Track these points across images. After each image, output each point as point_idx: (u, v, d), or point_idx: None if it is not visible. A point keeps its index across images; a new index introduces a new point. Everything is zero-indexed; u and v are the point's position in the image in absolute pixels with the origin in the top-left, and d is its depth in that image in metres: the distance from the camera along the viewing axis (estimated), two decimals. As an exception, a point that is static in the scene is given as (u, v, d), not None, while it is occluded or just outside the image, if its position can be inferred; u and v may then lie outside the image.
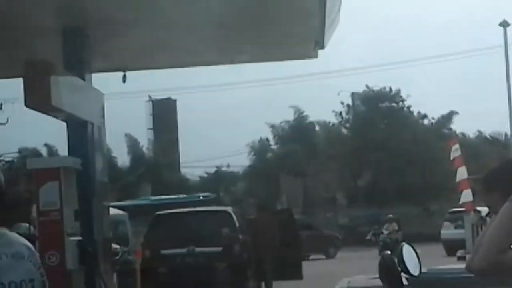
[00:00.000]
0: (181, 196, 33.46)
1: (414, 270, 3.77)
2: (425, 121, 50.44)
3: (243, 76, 77.95)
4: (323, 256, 32.71)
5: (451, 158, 22.74)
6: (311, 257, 30.89)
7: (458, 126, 50.84)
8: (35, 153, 47.94)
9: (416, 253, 3.81)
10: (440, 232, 30.30)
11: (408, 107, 49.80)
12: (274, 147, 52.96)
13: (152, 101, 60.33)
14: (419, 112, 49.94)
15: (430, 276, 15.22)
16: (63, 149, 12.13)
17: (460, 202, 22.33)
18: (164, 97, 59.47)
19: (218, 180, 54.15)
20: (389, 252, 4.06)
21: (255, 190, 49.87)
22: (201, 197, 30.99)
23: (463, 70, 71.37)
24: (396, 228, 29.95)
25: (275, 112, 66.71)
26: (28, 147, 49.71)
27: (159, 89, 74.42)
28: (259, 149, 52.29)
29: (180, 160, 57.76)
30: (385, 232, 29.88)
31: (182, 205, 18.61)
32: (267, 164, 50.85)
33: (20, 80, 10.21)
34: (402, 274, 3.88)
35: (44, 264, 10.55)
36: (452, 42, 70.17)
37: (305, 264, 19.06)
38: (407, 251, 3.80)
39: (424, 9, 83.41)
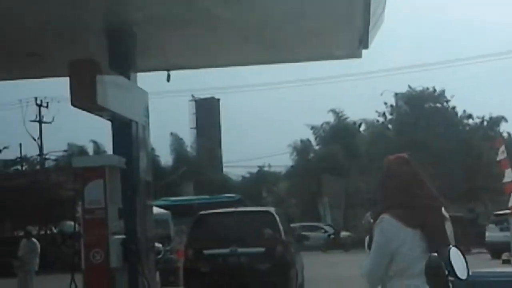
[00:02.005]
0: (203, 197, 33.40)
1: (461, 273, 3.71)
2: (470, 121, 49.89)
3: (286, 75, 77.82)
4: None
5: (498, 159, 22.46)
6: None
7: (504, 126, 50.25)
8: (82, 151, 48.45)
9: (464, 256, 3.74)
10: (484, 234, 29.89)
11: (453, 108, 49.31)
12: (316, 147, 52.84)
13: (195, 100, 60.58)
14: (464, 111, 49.42)
15: (474, 279, 15.07)
16: (110, 147, 12.20)
17: (510, 205, 22.05)
18: (207, 96, 59.70)
19: (260, 180, 54.15)
20: (435, 254, 3.98)
21: (297, 191, 49.81)
22: (224, 199, 30.70)
23: (510, 70, 70.42)
24: None
25: (317, 113, 66.67)
26: (76, 145, 50.27)
27: (202, 88, 74.84)
28: (301, 150, 52.19)
29: (223, 160, 57.94)
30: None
31: (203, 207, 18.63)
32: (309, 164, 50.75)
33: (65, 79, 10.31)
34: (449, 277, 3.82)
35: (89, 261, 10.58)
36: (498, 42, 69.43)
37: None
38: (455, 254, 3.73)
39: (472, 8, 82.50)
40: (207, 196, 33.60)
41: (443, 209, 4.55)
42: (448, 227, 4.45)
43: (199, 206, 19.03)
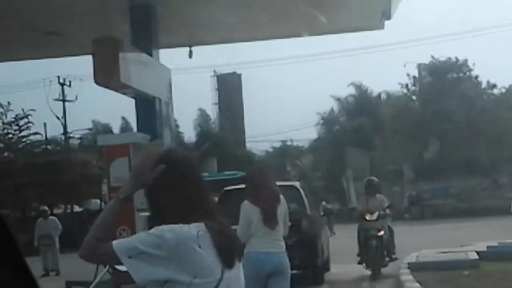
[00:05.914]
0: (204, 174, 32.97)
1: None
2: (495, 91, 49.41)
3: (308, 49, 77.33)
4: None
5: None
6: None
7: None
8: (106, 129, 48.51)
9: None
10: (510, 205, 29.66)
11: (476, 77, 48.85)
12: (341, 119, 52.70)
13: (217, 75, 60.48)
14: (488, 82, 48.93)
15: (500, 250, 14.98)
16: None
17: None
18: (229, 71, 59.62)
19: (284, 154, 54.10)
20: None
21: (321, 164, 49.74)
22: (226, 176, 30.18)
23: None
24: (386, 205, 16.30)
25: (339, 86, 66.42)
26: (100, 122, 50.38)
27: (224, 63, 74.81)
28: (328, 120, 52.08)
29: (246, 135, 57.97)
30: (368, 215, 15.54)
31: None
32: (333, 136, 50.64)
33: (87, 57, 10.31)
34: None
35: (116, 239, 10.66)
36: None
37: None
38: None
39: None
40: (207, 174, 33.52)
41: (281, 197, 7.57)
42: (281, 209, 7.50)
43: None
